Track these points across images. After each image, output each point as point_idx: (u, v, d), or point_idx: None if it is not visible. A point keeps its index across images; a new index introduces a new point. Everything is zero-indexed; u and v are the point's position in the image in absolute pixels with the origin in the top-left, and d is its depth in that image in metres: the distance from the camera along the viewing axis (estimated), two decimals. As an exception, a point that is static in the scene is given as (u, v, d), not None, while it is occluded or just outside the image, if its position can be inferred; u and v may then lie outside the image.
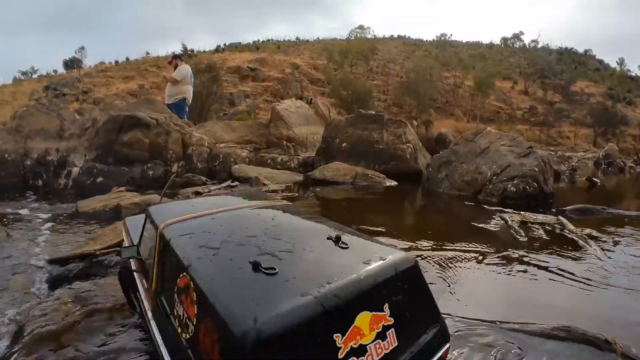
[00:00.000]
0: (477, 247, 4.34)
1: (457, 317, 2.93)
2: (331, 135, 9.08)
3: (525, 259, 4.04)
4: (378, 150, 8.65)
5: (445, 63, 50.33)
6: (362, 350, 1.45)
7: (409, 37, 75.01)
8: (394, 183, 7.81)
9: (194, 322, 1.55)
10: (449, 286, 3.43)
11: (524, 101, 47.07)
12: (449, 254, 4.17)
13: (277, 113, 10.62)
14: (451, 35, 70.13)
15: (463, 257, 4.08)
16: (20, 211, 7.01)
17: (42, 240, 5.27)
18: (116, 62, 49.23)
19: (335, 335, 1.41)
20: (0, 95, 40.92)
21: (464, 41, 72.84)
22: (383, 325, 1.52)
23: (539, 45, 64.33)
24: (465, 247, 4.36)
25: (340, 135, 8.96)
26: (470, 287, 3.43)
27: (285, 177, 8.18)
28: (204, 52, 50.52)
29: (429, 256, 4.06)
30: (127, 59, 50.59)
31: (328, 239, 1.85)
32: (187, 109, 11.33)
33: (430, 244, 4.42)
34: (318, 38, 65.75)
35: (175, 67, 11.17)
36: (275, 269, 1.56)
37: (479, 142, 7.64)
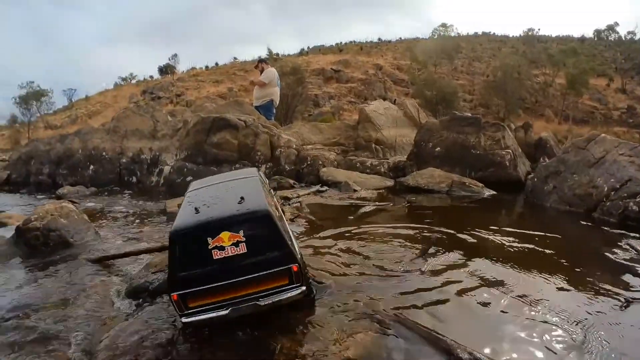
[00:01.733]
0: (612, 287, 3.33)
1: None
2: (424, 139, 8.40)
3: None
4: (474, 155, 7.87)
5: (534, 60, 47.39)
6: (222, 248, 2.54)
7: (494, 33, 71.21)
8: (493, 193, 7.06)
9: None
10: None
11: (621, 100, 43.04)
12: (579, 295, 3.25)
13: (365, 115, 10.11)
14: (539, 29, 65.61)
15: (599, 302, 3.11)
16: (114, 208, 7.06)
17: (129, 239, 5.14)
18: (206, 67, 51.31)
19: (208, 237, 2.54)
20: (103, 98, 43.97)
21: (553, 35, 67.78)
22: (238, 240, 2.56)
23: (637, 37, 58.81)
24: (597, 285, 3.37)
25: (433, 138, 8.26)
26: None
27: (375, 182, 7.64)
28: (289, 55, 51.24)
29: (553, 309, 3.03)
30: (217, 64, 52.54)
31: (239, 197, 2.85)
32: (274, 111, 11.26)
33: (549, 278, 3.51)
34: (400, 38, 64.43)
35: (262, 70, 11.18)
36: (198, 210, 2.78)
37: (592, 151, 6.64)
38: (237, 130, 8.48)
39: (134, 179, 9.47)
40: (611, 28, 60.27)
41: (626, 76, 46.88)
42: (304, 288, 2.70)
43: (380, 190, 7.12)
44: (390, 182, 7.74)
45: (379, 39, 64.56)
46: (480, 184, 7.20)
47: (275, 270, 2.61)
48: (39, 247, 4.69)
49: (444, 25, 50.99)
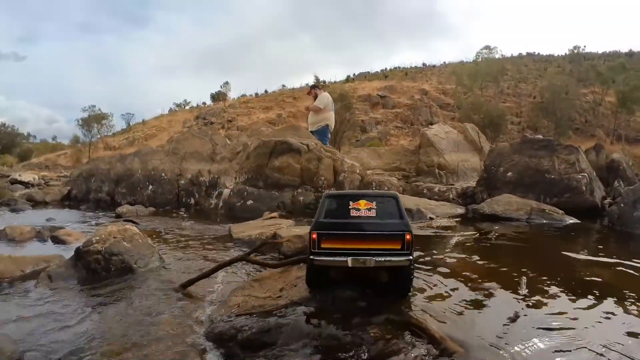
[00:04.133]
0: None
1: None
2: (494, 164, 7.81)
3: None
4: (549, 180, 7.22)
5: (582, 78, 45.45)
6: (358, 209, 3.19)
7: (539, 53, 69.15)
8: (575, 221, 6.37)
9: None
10: None
11: (677, 114, 40.79)
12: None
13: (427, 139, 9.61)
14: (585, 46, 62.80)
15: None
16: (174, 230, 6.75)
17: (196, 264, 4.74)
18: (256, 94, 52.36)
19: (350, 201, 3.23)
20: (158, 123, 45.43)
21: (599, 52, 65.04)
22: (370, 207, 3.19)
23: (689, 48, 55.80)
24: None
25: (504, 163, 7.66)
26: None
27: (446, 209, 7.07)
28: (335, 82, 51.41)
29: None
30: (266, 91, 53.56)
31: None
32: (329, 135, 10.94)
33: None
34: (444, 62, 63.29)
35: (315, 96, 10.87)
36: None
37: (686, 173, 6.02)
38: (299, 154, 8.14)
39: (192, 201, 9.26)
40: (660, 38, 57.49)
41: (681, 89, 44.35)
42: (410, 257, 3.11)
43: (455, 219, 6.55)
44: (461, 209, 7.19)
45: (424, 64, 63.78)
46: (560, 211, 6.56)
47: (391, 232, 3.12)
48: (99, 272, 4.29)
49: (487, 47, 49.79)
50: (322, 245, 3.15)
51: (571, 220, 6.45)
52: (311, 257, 3.17)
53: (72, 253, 4.49)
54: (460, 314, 3.20)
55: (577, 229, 6.19)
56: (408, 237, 3.09)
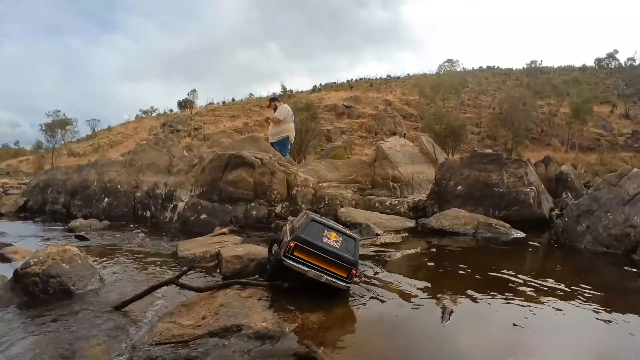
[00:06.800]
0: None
1: None
2: (444, 177, 7.79)
3: None
4: (497, 194, 7.24)
5: (538, 91, 47.13)
6: (328, 238, 3.84)
7: (498, 67, 71.20)
8: (521, 234, 6.39)
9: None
10: None
11: (625, 126, 42.49)
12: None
13: (382, 152, 9.54)
14: (541, 61, 65.03)
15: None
16: (125, 245, 6.45)
17: (137, 285, 4.49)
18: (223, 102, 52.03)
19: (325, 230, 3.89)
20: (124, 129, 44.50)
21: (555, 66, 67.54)
22: (337, 240, 3.86)
23: (637, 63, 58.31)
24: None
25: (454, 177, 7.65)
26: None
27: (396, 223, 7.02)
28: (302, 92, 51.63)
29: None
30: (233, 99, 53.35)
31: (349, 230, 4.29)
32: (289, 147, 10.88)
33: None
34: (408, 74, 64.29)
35: (275, 108, 10.92)
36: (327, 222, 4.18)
37: (625, 187, 5.98)
38: (253, 168, 7.96)
39: (148, 214, 8.95)
40: (611, 56, 60.33)
41: (629, 102, 46.51)
42: (349, 286, 3.90)
43: (403, 234, 6.48)
44: (411, 223, 7.15)
45: (388, 75, 64.63)
46: (507, 225, 6.58)
47: (344, 264, 3.81)
48: (37, 294, 4.03)
49: (449, 60, 50.91)
50: (294, 253, 3.80)
51: (517, 234, 6.48)
52: (283, 257, 3.80)
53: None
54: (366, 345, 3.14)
55: (522, 242, 6.22)
56: (354, 271, 3.89)
